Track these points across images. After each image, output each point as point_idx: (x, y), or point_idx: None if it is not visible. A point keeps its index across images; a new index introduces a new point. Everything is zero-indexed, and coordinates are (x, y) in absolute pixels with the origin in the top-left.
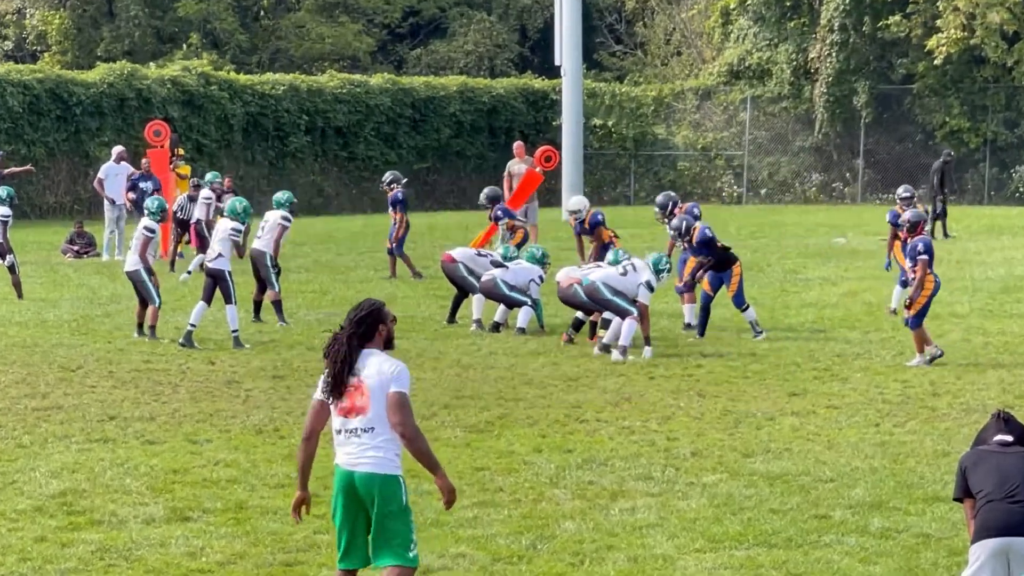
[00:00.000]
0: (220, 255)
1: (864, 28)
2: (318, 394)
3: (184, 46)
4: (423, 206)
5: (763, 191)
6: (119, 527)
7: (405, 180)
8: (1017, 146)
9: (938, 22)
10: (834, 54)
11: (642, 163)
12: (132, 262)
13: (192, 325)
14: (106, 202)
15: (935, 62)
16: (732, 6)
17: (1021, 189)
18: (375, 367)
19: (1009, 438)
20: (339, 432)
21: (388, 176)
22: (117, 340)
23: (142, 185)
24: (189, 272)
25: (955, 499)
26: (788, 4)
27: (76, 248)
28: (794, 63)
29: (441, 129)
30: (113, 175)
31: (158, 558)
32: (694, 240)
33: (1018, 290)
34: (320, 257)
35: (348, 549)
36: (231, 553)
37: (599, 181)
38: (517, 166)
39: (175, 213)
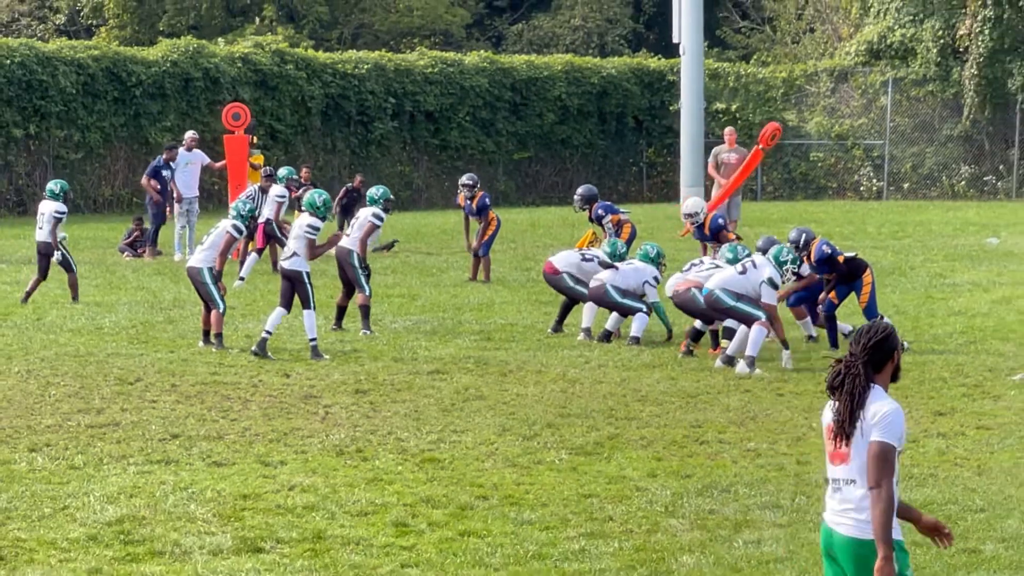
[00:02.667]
0: (295, 254)
1: (1021, 2)
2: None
3: (257, 20)
4: (524, 200)
5: (906, 185)
6: (182, 559)
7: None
8: None
9: None
10: (986, 31)
11: (770, 153)
12: (201, 259)
13: (267, 332)
14: (175, 195)
15: None
16: None
17: None
18: (872, 407)
19: None
20: (826, 481)
21: (471, 180)
22: (181, 350)
23: (165, 173)
24: (242, 278)
25: None
26: None
27: (133, 245)
28: (941, 41)
29: (544, 114)
30: (183, 164)
31: None
32: (812, 257)
33: None
34: (408, 257)
35: None
36: None
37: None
38: (727, 154)
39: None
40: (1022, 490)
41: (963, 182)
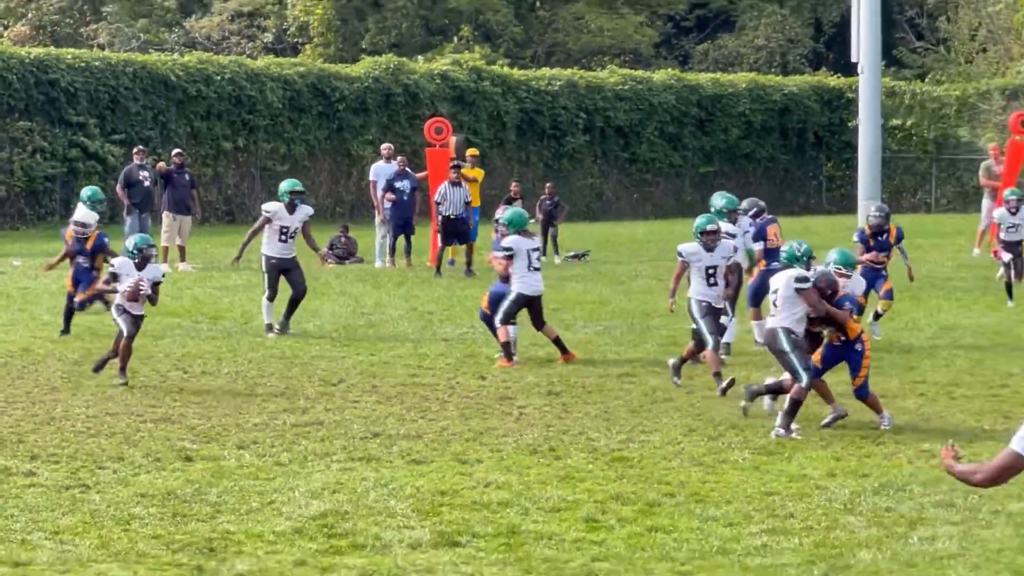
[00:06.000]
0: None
1: None
2: (1016, 445)
3: (455, 39)
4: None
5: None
6: (383, 552)
7: None
8: None
9: None
10: None
11: (944, 168)
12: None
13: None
14: (378, 205)
15: None
16: None
17: None
18: None
19: None
20: None
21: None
22: (381, 352)
23: (398, 184)
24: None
25: None
26: None
27: (337, 254)
28: None
29: (729, 129)
30: (384, 175)
31: None
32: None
33: None
34: (599, 266)
35: None
36: None
37: (898, 187)
38: (997, 167)
39: (439, 203)
40: None
41: None
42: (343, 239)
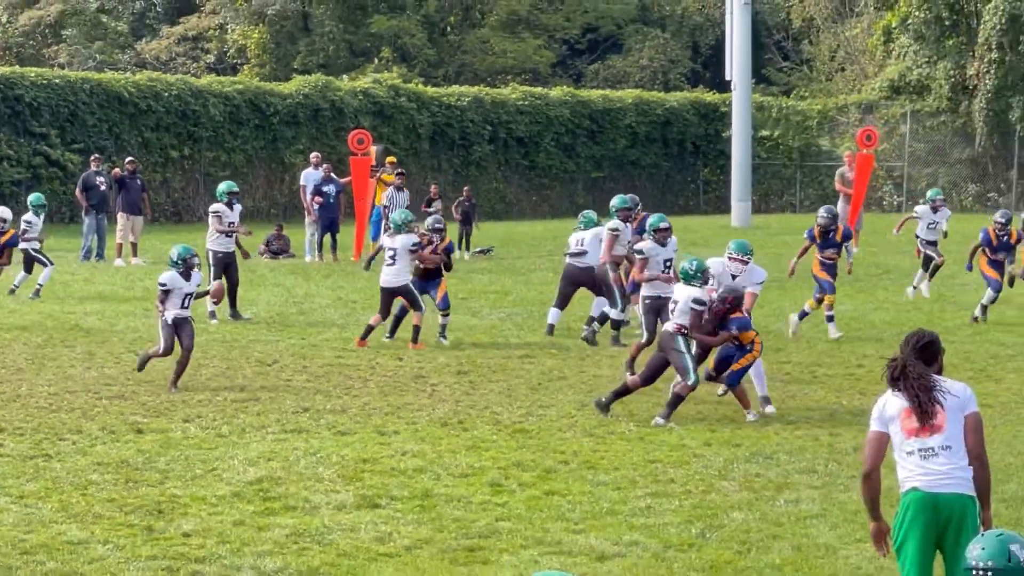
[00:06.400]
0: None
1: (1020, 46)
2: (876, 425)
3: (376, 60)
4: (599, 212)
5: (921, 200)
6: (312, 513)
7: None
8: None
9: None
10: (991, 71)
11: (807, 173)
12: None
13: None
14: (308, 206)
15: None
16: (894, 25)
17: None
18: (948, 389)
19: None
20: (911, 453)
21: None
22: (310, 336)
23: (325, 189)
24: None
25: None
26: (947, 23)
27: (272, 249)
28: (952, 79)
29: (617, 140)
30: (312, 181)
31: (348, 542)
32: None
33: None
34: (502, 261)
35: None
36: (417, 538)
37: (766, 190)
38: (850, 173)
39: (385, 207)
40: (1020, 458)
41: (970, 198)
42: (278, 237)
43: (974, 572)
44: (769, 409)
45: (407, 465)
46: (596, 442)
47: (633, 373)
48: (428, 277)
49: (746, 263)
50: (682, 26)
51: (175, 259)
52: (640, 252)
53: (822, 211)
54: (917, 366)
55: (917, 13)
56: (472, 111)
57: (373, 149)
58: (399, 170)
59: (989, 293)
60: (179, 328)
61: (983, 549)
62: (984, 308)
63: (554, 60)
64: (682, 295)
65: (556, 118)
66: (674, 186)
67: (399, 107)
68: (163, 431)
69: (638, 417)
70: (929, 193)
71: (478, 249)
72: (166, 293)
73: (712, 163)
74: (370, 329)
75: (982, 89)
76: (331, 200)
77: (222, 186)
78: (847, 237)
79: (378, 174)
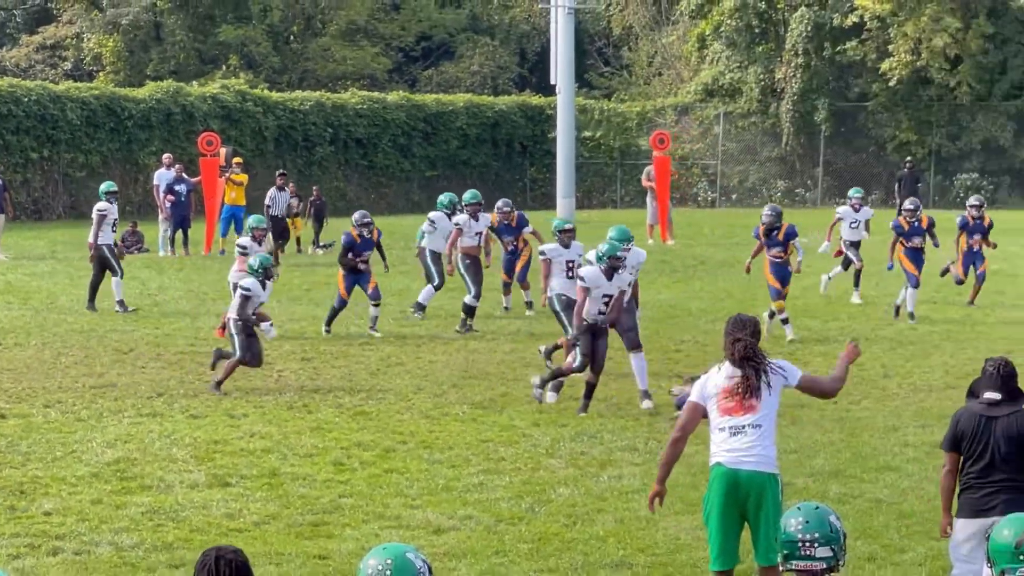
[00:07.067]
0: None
1: (824, 52)
2: (695, 397)
3: (224, 67)
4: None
5: (734, 196)
6: (166, 491)
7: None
8: (959, 157)
9: (889, 47)
10: (798, 75)
11: (627, 171)
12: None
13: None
14: (160, 205)
15: (889, 83)
16: (707, 32)
17: (962, 194)
18: (780, 366)
19: (997, 396)
20: (722, 430)
21: (507, 205)
22: (164, 326)
23: (177, 188)
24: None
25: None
26: (757, 31)
27: (127, 245)
28: (762, 83)
29: (450, 141)
30: (165, 180)
31: (201, 519)
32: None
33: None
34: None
35: (723, 549)
36: (265, 514)
37: (589, 187)
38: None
39: (268, 207)
40: (826, 436)
41: (779, 193)
42: (132, 233)
43: (801, 543)
44: (646, 404)
45: (255, 446)
46: (432, 423)
47: (550, 362)
48: (359, 271)
49: (627, 249)
50: (510, 34)
51: (256, 267)
52: (543, 254)
53: (766, 209)
54: (758, 348)
55: (729, 21)
56: (314, 114)
57: (222, 151)
58: (281, 171)
59: (910, 291)
60: (251, 335)
61: (807, 523)
62: (910, 313)
63: (391, 66)
64: (585, 272)
65: (393, 121)
66: (503, 184)
67: (246, 111)
68: (25, 416)
69: (471, 400)
70: (850, 192)
71: (321, 244)
72: (247, 300)
73: (538, 162)
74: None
75: (789, 92)
76: (182, 199)
77: (104, 185)
78: (790, 236)
79: (227, 174)
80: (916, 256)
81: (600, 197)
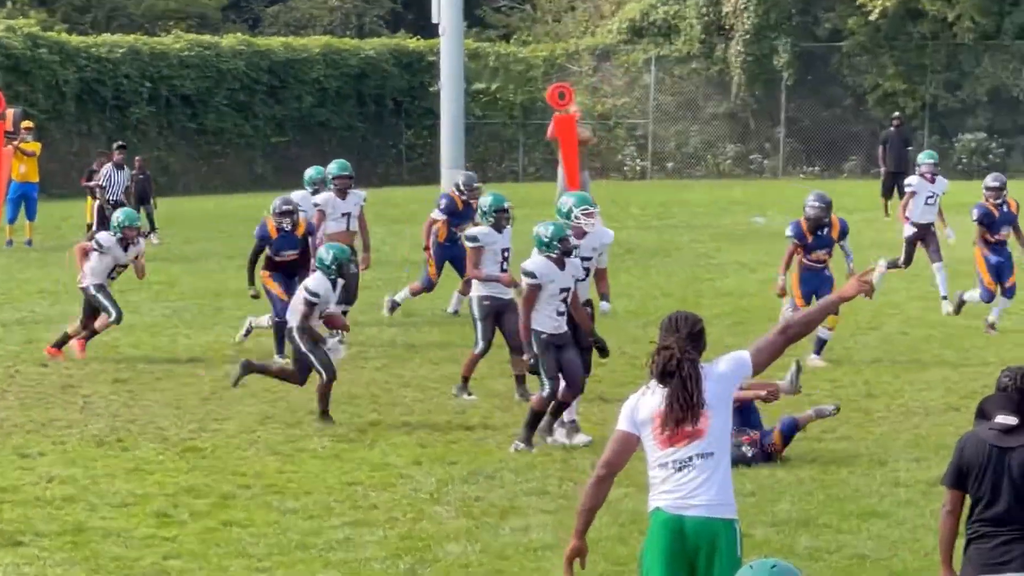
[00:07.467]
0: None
1: None
2: (625, 425)
3: (8, 3)
4: (282, 184)
5: (670, 164)
6: None
7: None
8: (960, 112)
9: None
10: (751, 7)
11: (532, 133)
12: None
13: None
14: None
15: (870, 18)
16: None
17: (964, 160)
18: (714, 374)
19: (1013, 420)
20: (663, 466)
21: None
22: None
23: None
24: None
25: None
26: None
27: None
28: (705, 18)
29: (303, 97)
30: None
31: None
32: None
33: (962, 275)
34: (166, 245)
35: None
36: None
37: (483, 155)
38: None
39: (104, 187)
40: (793, 473)
41: (728, 161)
42: None
43: None
44: (579, 439)
45: (55, 494)
46: (283, 461)
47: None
48: (292, 272)
49: (592, 217)
50: None
51: (328, 263)
52: (474, 240)
53: (811, 199)
54: (694, 357)
55: None
56: (127, 64)
57: (9, 112)
58: (120, 143)
59: (976, 294)
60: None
61: None
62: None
63: (225, 2)
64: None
65: (229, 72)
66: (372, 152)
67: (38, 60)
68: None
69: (333, 432)
70: (920, 157)
71: (155, 229)
72: (312, 307)
73: (417, 124)
74: (67, 337)
75: (740, 30)
76: None
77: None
78: (845, 233)
79: (15, 142)
80: (1000, 253)
81: (497, 167)
